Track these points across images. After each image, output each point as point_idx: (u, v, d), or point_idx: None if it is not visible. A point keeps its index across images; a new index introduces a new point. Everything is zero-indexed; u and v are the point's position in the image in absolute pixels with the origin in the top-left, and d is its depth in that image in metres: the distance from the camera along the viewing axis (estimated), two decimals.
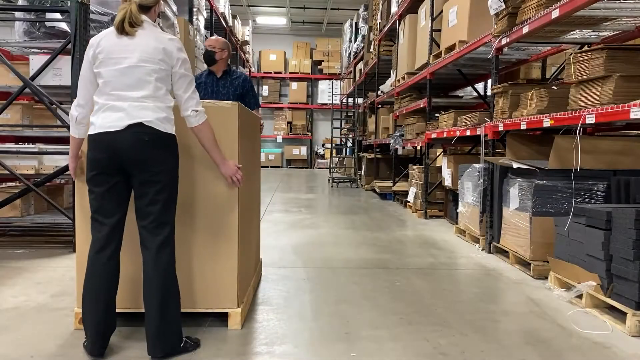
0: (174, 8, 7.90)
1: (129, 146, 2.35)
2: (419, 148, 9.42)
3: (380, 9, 10.81)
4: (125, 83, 2.39)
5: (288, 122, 20.53)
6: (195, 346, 2.55)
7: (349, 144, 15.89)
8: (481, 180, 5.09)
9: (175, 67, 2.47)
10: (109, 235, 2.46)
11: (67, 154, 4.62)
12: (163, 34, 2.49)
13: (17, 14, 5.16)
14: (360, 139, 13.66)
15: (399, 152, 9.71)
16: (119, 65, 2.38)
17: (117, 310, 2.57)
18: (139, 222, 2.49)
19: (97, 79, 2.45)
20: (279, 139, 20.49)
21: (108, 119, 2.37)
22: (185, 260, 2.77)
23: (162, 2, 2.61)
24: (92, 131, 2.41)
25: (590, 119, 3.28)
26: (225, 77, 4.50)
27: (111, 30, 2.46)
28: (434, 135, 6.77)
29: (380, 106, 11.44)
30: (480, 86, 8.14)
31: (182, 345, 2.48)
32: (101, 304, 2.46)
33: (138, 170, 2.41)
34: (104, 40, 2.43)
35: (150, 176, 2.40)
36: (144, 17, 2.47)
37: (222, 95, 4.44)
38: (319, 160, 20.39)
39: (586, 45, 4.76)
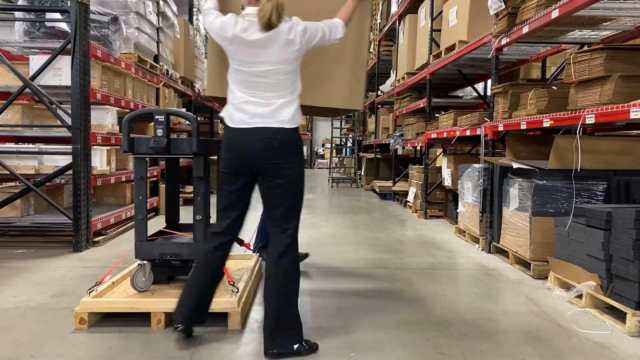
0: (174, 8, 7.91)
1: (258, 151, 2.49)
2: (418, 148, 9.43)
3: (380, 8, 10.81)
4: (263, 84, 2.52)
5: None
6: (310, 351, 2.50)
7: (349, 144, 15.88)
8: (481, 180, 5.09)
9: (308, 44, 2.58)
10: (227, 227, 2.64)
11: (67, 153, 4.66)
12: (287, 24, 2.52)
13: (17, 14, 5.17)
14: (360, 139, 13.66)
15: (399, 152, 9.71)
16: (257, 67, 2.51)
17: None
18: (267, 219, 2.62)
19: (229, 55, 2.57)
20: None
21: (246, 114, 2.52)
22: None
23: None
24: (230, 124, 2.56)
25: (590, 119, 3.27)
26: None
27: (249, 23, 2.50)
28: (433, 135, 6.77)
29: (380, 106, 11.44)
30: (480, 86, 8.14)
31: (295, 347, 2.47)
32: (198, 291, 2.61)
33: (264, 175, 2.53)
34: (243, 35, 2.49)
35: (276, 181, 2.51)
36: None
37: None
38: (319, 160, 20.39)
39: (586, 45, 4.76)
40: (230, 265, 3.72)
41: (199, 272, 2.64)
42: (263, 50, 2.49)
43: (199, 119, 8.17)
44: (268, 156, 2.49)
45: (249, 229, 5.93)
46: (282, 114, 2.51)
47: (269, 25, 2.46)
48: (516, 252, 4.29)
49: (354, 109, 3.28)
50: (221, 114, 2.65)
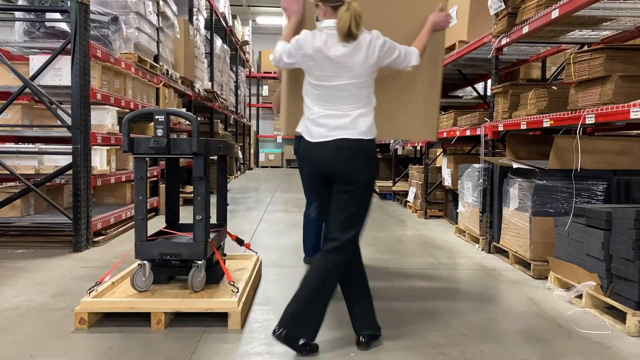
0: (174, 8, 7.91)
1: (332, 159, 2.52)
2: (419, 148, 9.42)
3: None
4: (341, 97, 2.53)
5: None
6: (309, 351, 2.53)
7: None
8: (481, 180, 5.09)
9: (384, 59, 2.59)
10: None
11: (67, 153, 4.67)
12: (367, 36, 2.52)
13: (17, 14, 5.17)
14: None
15: (399, 152, 9.70)
16: (336, 81, 2.51)
17: None
18: (330, 223, 2.65)
19: (307, 70, 2.57)
20: (279, 139, 20.47)
21: (324, 128, 2.53)
22: None
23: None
24: (309, 139, 2.58)
25: (590, 119, 3.28)
26: None
27: (328, 36, 2.50)
28: None
29: None
30: (480, 86, 8.13)
31: (300, 343, 2.50)
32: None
33: (336, 181, 2.56)
34: (324, 48, 2.48)
35: (347, 187, 2.54)
36: None
37: None
38: None
39: (586, 45, 4.76)
40: (230, 265, 3.72)
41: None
42: (343, 64, 2.49)
43: (199, 119, 8.18)
44: (341, 165, 2.51)
45: (249, 229, 5.94)
46: (360, 124, 2.52)
47: (349, 34, 2.45)
48: (516, 252, 4.29)
49: (428, 140, 3.37)
50: (297, 129, 2.68)
